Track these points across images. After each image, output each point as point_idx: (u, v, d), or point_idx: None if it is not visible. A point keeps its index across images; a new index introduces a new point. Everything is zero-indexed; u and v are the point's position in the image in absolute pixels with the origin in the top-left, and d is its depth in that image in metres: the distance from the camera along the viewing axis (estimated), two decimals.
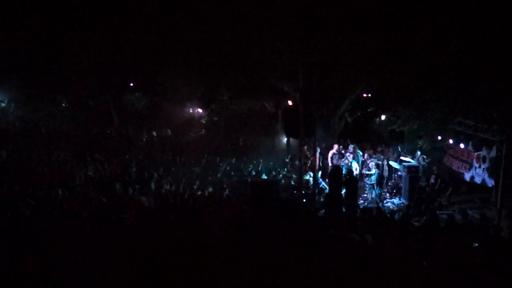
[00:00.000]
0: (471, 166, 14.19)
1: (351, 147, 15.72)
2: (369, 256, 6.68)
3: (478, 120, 13.40)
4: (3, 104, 20.86)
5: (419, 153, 15.60)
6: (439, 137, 15.58)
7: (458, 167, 14.81)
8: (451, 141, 15.16)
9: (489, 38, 12.58)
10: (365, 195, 14.43)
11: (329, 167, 15.12)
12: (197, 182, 13.05)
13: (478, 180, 13.92)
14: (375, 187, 13.97)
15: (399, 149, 15.94)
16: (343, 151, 15.86)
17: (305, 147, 14.39)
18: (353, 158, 15.05)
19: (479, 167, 13.83)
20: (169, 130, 21.54)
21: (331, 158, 15.62)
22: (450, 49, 13.23)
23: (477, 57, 12.83)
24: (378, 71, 14.59)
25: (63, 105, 23.25)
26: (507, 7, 12.06)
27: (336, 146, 15.87)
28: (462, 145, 14.46)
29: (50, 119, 21.28)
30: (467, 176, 14.41)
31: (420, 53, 13.49)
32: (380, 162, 14.95)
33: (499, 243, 7.79)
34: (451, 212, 12.46)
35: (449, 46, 13.22)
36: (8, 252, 6.25)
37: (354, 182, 12.59)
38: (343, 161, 15.13)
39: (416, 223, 10.87)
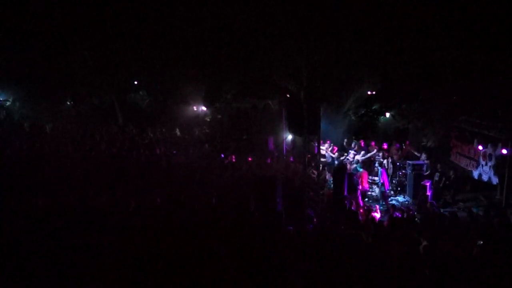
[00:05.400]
0: (478, 163, 14.09)
1: (353, 144, 15.76)
2: (370, 254, 6.66)
3: (483, 117, 13.29)
4: (7, 103, 20.93)
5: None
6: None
7: (467, 165, 14.73)
8: (457, 139, 15.07)
9: (494, 35, 12.48)
10: (369, 192, 14.38)
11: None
12: None
13: (485, 177, 13.81)
14: (379, 185, 13.92)
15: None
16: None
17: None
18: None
19: (486, 164, 13.72)
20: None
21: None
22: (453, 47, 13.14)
23: (482, 54, 12.73)
24: (381, 68, 14.53)
25: (68, 103, 23.30)
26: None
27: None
28: (467, 143, 14.37)
29: (55, 117, 21.32)
30: (475, 174, 14.31)
31: (423, 50, 13.43)
32: (383, 160, 14.88)
33: (503, 240, 7.72)
34: (455, 209, 12.39)
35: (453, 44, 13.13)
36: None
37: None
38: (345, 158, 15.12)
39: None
